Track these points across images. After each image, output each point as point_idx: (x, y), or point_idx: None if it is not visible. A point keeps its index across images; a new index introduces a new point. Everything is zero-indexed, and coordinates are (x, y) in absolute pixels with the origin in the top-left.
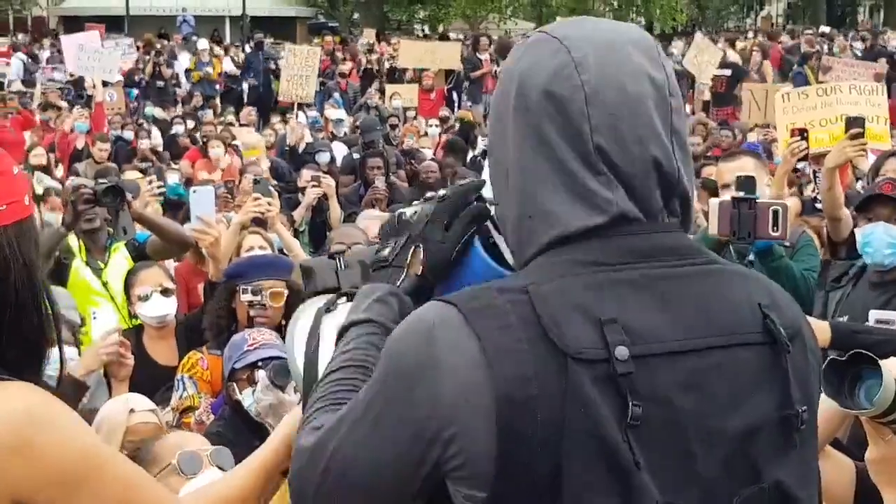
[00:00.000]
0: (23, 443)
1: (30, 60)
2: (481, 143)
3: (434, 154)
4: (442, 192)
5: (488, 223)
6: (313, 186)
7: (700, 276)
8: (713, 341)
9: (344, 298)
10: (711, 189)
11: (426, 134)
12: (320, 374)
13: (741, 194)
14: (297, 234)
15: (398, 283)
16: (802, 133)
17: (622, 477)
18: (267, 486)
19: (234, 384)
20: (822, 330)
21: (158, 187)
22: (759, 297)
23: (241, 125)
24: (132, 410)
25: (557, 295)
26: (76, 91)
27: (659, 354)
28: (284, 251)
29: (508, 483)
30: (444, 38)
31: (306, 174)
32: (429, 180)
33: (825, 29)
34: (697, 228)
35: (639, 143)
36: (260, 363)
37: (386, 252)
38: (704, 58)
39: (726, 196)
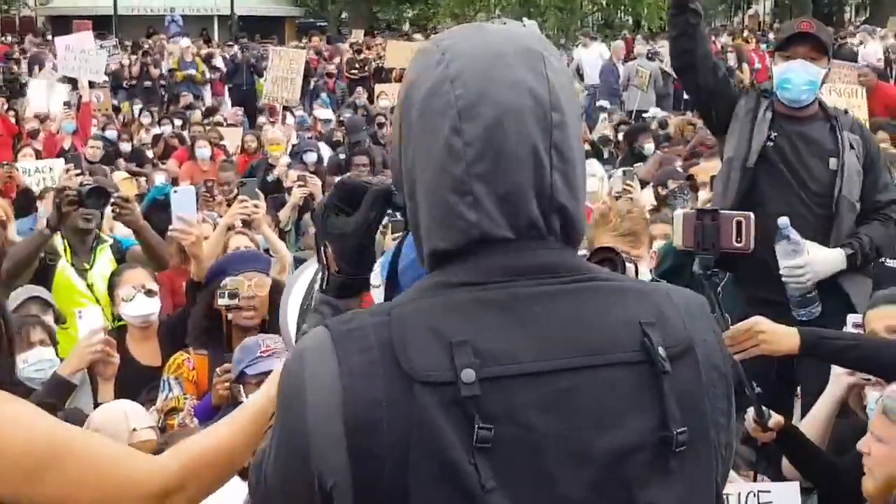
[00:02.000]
0: None
1: None
2: None
3: None
4: (338, 179)
5: None
6: (299, 186)
7: (575, 293)
8: (578, 361)
9: None
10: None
11: None
12: None
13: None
14: (282, 234)
15: (323, 288)
16: None
17: (469, 500)
18: (260, 434)
19: (241, 387)
20: (790, 336)
21: (77, 174)
22: (643, 315)
23: (228, 125)
24: (134, 430)
25: (414, 317)
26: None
27: (514, 376)
28: (270, 252)
29: None
30: None
31: (293, 174)
32: None
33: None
34: None
35: (513, 159)
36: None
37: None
38: None
39: (704, 194)
